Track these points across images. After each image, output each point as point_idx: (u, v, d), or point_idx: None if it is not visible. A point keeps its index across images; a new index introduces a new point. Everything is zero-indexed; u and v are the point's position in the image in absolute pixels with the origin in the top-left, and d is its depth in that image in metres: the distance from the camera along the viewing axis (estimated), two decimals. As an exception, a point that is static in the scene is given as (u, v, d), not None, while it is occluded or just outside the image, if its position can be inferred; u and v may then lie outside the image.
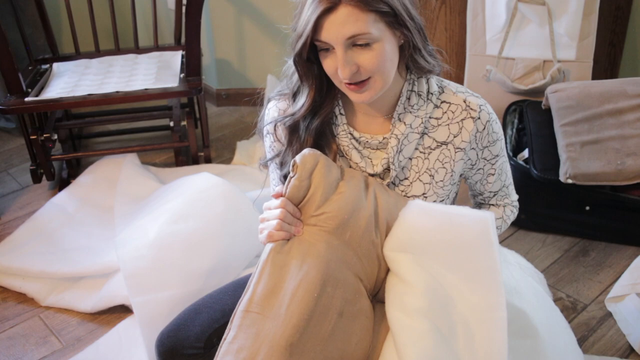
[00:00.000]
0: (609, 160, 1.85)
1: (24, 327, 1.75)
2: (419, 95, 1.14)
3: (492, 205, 1.31)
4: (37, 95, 2.14)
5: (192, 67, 2.22)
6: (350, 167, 1.18)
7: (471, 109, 1.15)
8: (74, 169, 2.42)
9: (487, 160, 1.21)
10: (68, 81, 2.26)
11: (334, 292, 1.04)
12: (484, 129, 1.16)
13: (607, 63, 2.43)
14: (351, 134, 1.17)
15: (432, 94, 1.15)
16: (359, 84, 1.05)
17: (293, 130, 1.15)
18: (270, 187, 1.30)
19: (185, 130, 2.33)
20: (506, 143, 2.12)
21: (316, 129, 1.14)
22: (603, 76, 2.42)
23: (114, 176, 2.26)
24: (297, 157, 1.08)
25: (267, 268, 1.05)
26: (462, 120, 1.15)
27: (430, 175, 1.17)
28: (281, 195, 1.09)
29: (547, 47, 2.21)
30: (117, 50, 2.48)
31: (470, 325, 1.03)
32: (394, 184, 1.18)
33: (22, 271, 1.88)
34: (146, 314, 1.56)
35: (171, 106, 2.52)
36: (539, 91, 2.24)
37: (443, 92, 1.17)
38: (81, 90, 2.16)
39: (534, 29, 2.22)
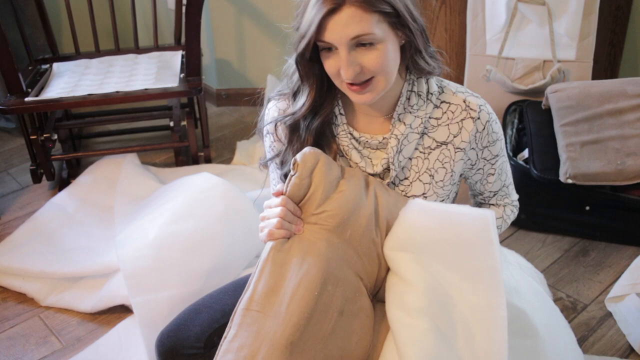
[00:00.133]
0: (609, 160, 1.85)
1: (24, 327, 1.75)
2: (419, 96, 1.14)
3: (492, 205, 1.31)
4: (37, 95, 2.14)
5: (192, 67, 2.22)
6: (350, 167, 1.18)
7: (471, 109, 1.15)
8: (74, 169, 2.42)
9: (487, 160, 1.21)
10: (68, 81, 2.26)
11: (335, 290, 1.04)
12: (484, 129, 1.16)
13: (607, 63, 2.43)
14: (351, 134, 1.17)
15: (431, 94, 1.15)
16: (362, 84, 1.05)
17: (293, 129, 1.15)
18: (270, 187, 1.30)
19: (185, 130, 2.33)
20: (506, 143, 2.12)
21: (316, 128, 1.14)
22: (603, 76, 2.42)
23: (114, 176, 2.26)
24: (298, 156, 1.08)
25: (267, 266, 1.05)
26: (462, 120, 1.15)
27: (430, 175, 1.17)
28: (282, 194, 1.09)
29: (547, 47, 2.21)
30: (117, 50, 2.48)
31: (470, 325, 1.03)
32: (393, 183, 1.18)
33: (22, 271, 1.88)
34: (146, 314, 1.56)
35: (171, 106, 2.52)
36: (539, 91, 2.24)
37: (443, 92, 1.17)
38: (81, 90, 2.15)
39: (534, 29, 2.22)
